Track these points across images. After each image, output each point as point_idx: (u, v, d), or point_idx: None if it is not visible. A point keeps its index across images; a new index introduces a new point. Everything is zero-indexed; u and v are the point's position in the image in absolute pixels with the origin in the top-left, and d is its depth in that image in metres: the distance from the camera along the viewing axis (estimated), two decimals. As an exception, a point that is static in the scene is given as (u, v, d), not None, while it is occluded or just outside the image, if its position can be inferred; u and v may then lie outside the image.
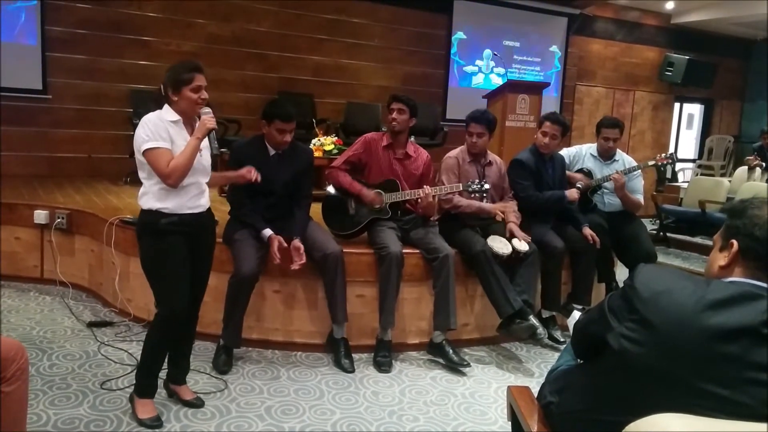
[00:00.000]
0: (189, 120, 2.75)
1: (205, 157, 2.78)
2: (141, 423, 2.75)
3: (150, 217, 2.72)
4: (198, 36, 6.99)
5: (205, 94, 2.70)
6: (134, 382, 2.86)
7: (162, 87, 2.70)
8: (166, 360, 2.97)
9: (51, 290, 4.49)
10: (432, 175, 4.00)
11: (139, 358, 2.88)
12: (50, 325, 3.89)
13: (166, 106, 2.70)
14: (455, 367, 3.57)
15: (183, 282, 2.77)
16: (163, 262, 2.73)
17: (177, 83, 2.66)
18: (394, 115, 3.81)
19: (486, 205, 3.92)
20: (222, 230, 3.60)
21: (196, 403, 2.98)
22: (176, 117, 2.69)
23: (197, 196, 2.79)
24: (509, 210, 3.95)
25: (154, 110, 2.71)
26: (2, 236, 4.60)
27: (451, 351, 3.60)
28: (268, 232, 3.41)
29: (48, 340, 3.65)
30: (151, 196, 2.71)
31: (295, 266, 3.38)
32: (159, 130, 2.63)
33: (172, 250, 2.72)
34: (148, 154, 2.61)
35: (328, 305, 3.55)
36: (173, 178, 2.63)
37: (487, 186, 3.72)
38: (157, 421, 2.78)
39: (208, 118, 2.71)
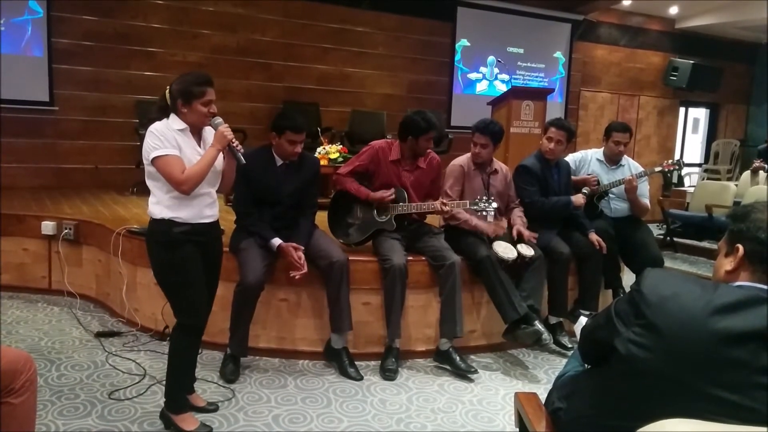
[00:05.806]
0: (196, 129, 2.73)
1: (216, 167, 2.74)
2: None
3: (162, 226, 2.68)
4: (203, 46, 7.04)
5: (214, 108, 2.68)
6: (165, 399, 2.82)
7: (168, 96, 2.67)
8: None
9: (59, 301, 4.51)
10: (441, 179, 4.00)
11: (166, 373, 2.83)
12: (58, 335, 3.90)
13: (172, 116, 2.67)
14: (463, 374, 3.57)
15: (202, 291, 2.78)
16: (180, 273, 2.71)
17: (188, 96, 2.62)
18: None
19: (481, 224, 3.87)
20: (228, 239, 3.62)
21: (210, 409, 3.00)
22: (183, 125, 2.66)
23: (210, 206, 2.79)
24: (503, 226, 3.91)
25: (158, 119, 2.67)
26: (10, 247, 4.64)
27: (458, 358, 3.59)
28: (277, 241, 3.41)
29: (56, 350, 3.66)
30: (163, 206, 2.68)
31: (293, 273, 3.38)
32: (167, 138, 2.61)
33: (188, 260, 2.70)
34: (158, 161, 2.59)
35: (330, 314, 3.54)
36: (188, 185, 2.60)
37: (495, 205, 3.67)
38: (206, 427, 2.80)
39: (224, 128, 2.67)
